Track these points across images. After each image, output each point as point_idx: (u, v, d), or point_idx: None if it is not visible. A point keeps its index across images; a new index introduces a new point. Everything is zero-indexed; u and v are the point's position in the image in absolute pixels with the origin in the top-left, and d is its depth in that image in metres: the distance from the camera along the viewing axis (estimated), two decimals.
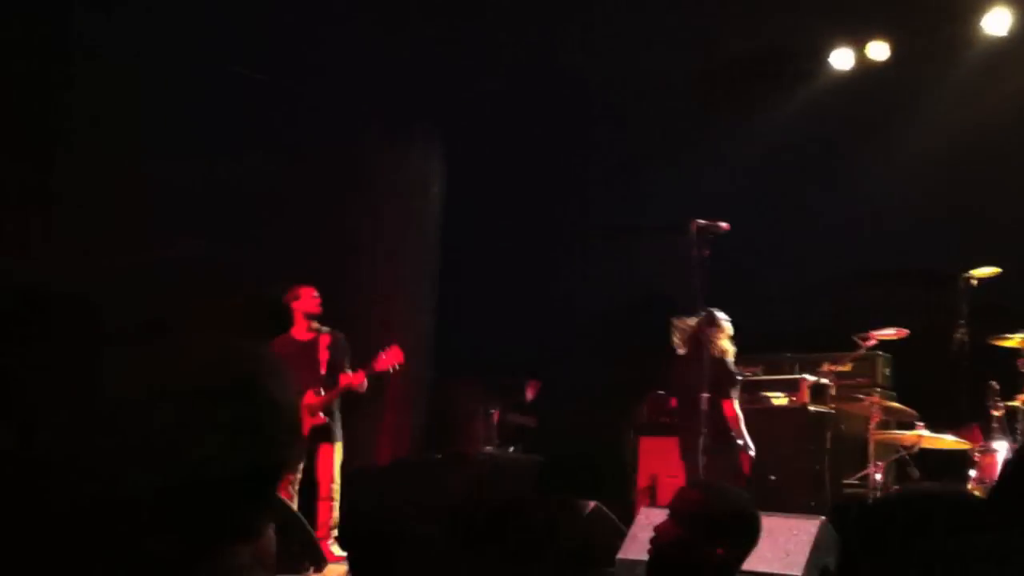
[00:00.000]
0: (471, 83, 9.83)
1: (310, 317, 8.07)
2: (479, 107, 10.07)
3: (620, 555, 6.21)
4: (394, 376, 8.23)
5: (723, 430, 7.31)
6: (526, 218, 10.50)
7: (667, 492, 8.26)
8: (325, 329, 8.09)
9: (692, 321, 7.59)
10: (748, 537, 3.22)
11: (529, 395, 9.63)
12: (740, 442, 7.35)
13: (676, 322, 7.84)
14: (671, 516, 3.34)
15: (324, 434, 7.91)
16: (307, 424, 7.77)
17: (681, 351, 7.76)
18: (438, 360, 10.11)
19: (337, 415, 8.03)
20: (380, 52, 9.37)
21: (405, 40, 9.34)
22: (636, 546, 5.96)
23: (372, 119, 9.95)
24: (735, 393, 7.52)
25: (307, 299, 8.09)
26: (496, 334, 9.07)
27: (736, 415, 7.42)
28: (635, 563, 5.72)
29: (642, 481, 8.49)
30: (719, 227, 7.28)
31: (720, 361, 7.48)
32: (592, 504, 6.86)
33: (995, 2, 9.36)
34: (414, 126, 10.35)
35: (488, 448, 9.04)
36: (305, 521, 6.66)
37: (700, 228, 7.22)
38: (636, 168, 10.76)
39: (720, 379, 7.38)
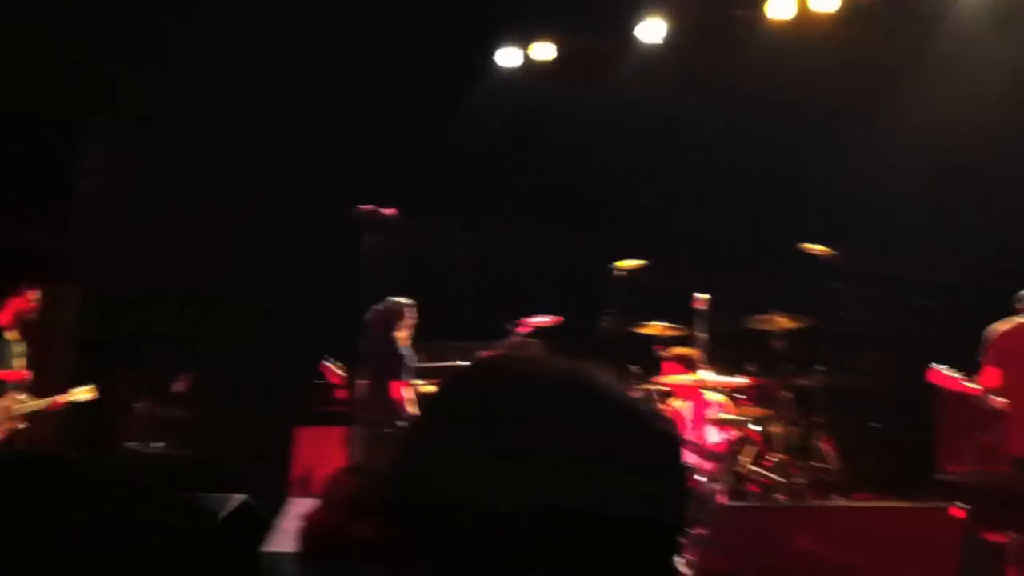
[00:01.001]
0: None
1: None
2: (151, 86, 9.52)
3: (265, 548, 6.00)
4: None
5: (393, 414, 7.33)
6: (197, 198, 10.04)
7: (323, 483, 8.13)
8: None
9: (381, 307, 7.66)
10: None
11: (181, 387, 9.16)
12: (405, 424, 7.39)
13: (377, 307, 7.77)
14: (322, 503, 3.24)
15: None
16: None
17: (368, 336, 7.72)
18: (89, 352, 9.44)
19: None
20: None
21: None
22: (283, 539, 5.77)
23: None
24: (408, 377, 7.57)
25: None
26: (150, 324, 8.57)
27: (405, 398, 7.44)
28: (280, 556, 5.54)
29: (297, 472, 8.30)
30: (384, 213, 7.25)
31: (396, 347, 7.55)
32: (240, 498, 6.59)
33: (650, 12, 9.91)
34: None
35: (131, 444, 8.51)
36: None
37: (365, 213, 7.15)
38: (308, 156, 10.57)
39: (396, 364, 7.47)
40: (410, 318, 7.71)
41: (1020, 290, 6.33)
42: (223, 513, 6.15)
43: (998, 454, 6.34)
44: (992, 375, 6.07)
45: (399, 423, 7.43)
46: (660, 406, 7.83)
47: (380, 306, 7.69)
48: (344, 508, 3.11)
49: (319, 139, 10.57)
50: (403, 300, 7.72)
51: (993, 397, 6.09)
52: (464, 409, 1.06)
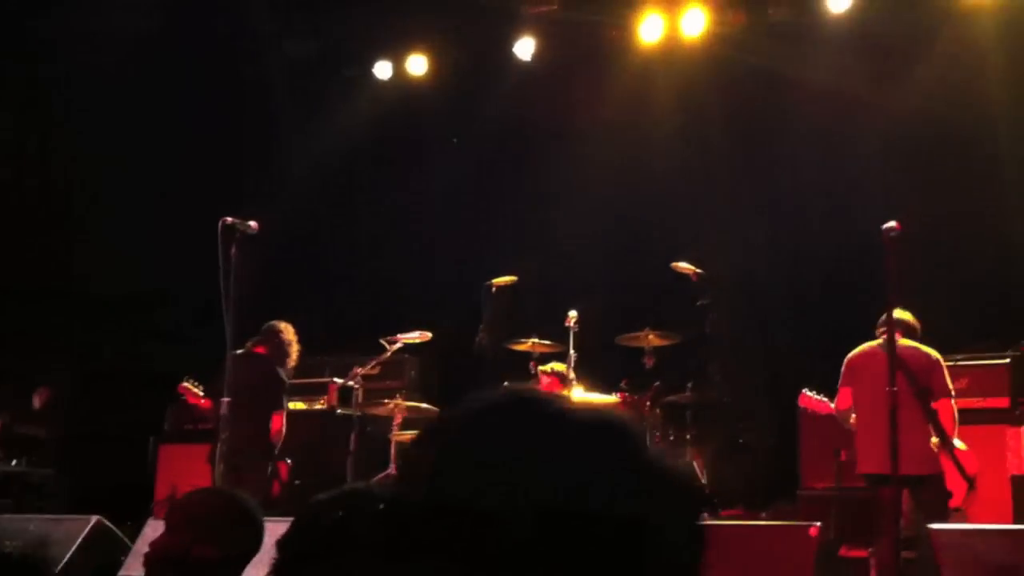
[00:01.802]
0: None
1: None
2: None
3: (122, 572, 5.80)
4: None
5: (261, 438, 7.19)
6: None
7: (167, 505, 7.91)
8: None
9: (279, 326, 7.61)
10: (247, 539, 3.02)
11: (37, 403, 8.80)
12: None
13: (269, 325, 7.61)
14: (165, 525, 3.12)
15: None
16: None
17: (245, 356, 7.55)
18: None
19: None
20: None
21: None
22: (137, 563, 5.58)
23: None
24: (284, 402, 7.49)
25: None
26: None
27: (280, 426, 7.35)
28: None
29: (161, 492, 8.04)
30: (248, 226, 7.07)
31: (278, 372, 7.47)
32: (94, 519, 6.36)
33: (524, 32, 9.99)
34: None
35: None
36: None
37: (227, 225, 6.97)
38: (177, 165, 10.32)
39: (274, 388, 7.39)
40: (296, 343, 7.66)
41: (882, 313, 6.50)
42: (79, 537, 5.85)
43: (855, 471, 6.55)
44: (844, 396, 6.28)
45: (267, 448, 7.32)
46: None
47: (269, 326, 7.60)
48: (183, 528, 3.02)
49: (186, 144, 10.34)
50: (285, 324, 7.65)
51: (849, 417, 6.29)
52: (495, 437, 1.05)
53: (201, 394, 7.84)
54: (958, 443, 6.07)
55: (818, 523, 5.00)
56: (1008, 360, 7.31)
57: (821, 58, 9.24)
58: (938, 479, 5.85)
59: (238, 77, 10.12)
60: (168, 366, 8.46)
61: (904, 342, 5.99)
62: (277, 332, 7.67)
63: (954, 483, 5.89)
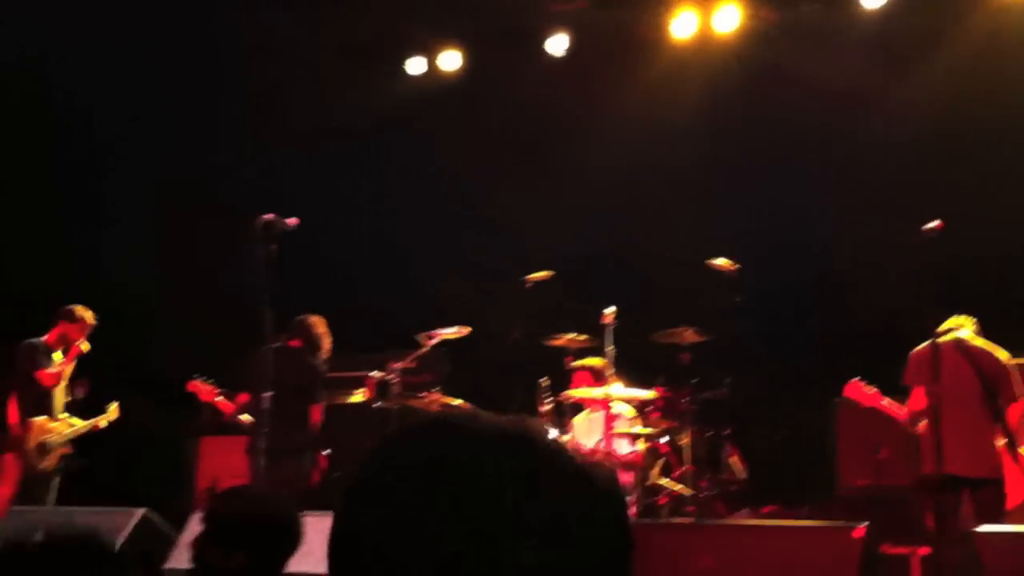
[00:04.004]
0: None
1: None
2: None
3: (167, 565, 5.88)
4: None
5: (300, 430, 7.26)
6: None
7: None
8: None
9: (311, 319, 7.73)
10: (278, 543, 3.09)
11: (79, 394, 8.86)
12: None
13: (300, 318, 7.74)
14: (203, 522, 3.18)
15: None
16: None
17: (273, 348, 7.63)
18: None
19: None
20: None
21: None
22: (183, 554, 5.65)
23: None
24: (322, 394, 7.66)
25: None
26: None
27: (319, 417, 7.54)
28: (180, 572, 5.42)
29: (202, 483, 8.11)
30: (286, 223, 7.13)
31: (315, 363, 7.62)
32: (141, 511, 6.43)
33: (556, 28, 10.02)
34: None
35: None
36: None
37: (266, 223, 7.02)
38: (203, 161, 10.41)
39: (312, 380, 7.54)
40: (327, 336, 7.73)
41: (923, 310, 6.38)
42: (126, 529, 5.94)
43: (897, 469, 6.53)
44: (918, 397, 6.00)
45: (307, 439, 7.43)
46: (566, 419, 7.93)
47: (300, 319, 7.68)
48: (215, 530, 3.10)
49: (218, 146, 10.42)
50: (316, 317, 7.77)
51: (920, 419, 6.02)
52: (406, 462, 1.04)
53: (216, 391, 7.85)
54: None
55: (864, 523, 5.01)
56: None
57: (853, 55, 9.23)
58: (999, 484, 5.79)
59: (266, 70, 10.16)
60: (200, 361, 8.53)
61: (978, 342, 5.93)
62: (309, 325, 7.78)
63: (1013, 486, 5.84)
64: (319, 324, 7.87)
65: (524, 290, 8.04)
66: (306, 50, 10.14)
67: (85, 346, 7.99)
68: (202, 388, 7.85)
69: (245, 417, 7.51)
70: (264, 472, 6.72)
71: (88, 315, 8.02)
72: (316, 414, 7.59)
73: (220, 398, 7.77)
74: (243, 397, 7.61)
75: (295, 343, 7.73)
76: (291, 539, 3.11)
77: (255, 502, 3.25)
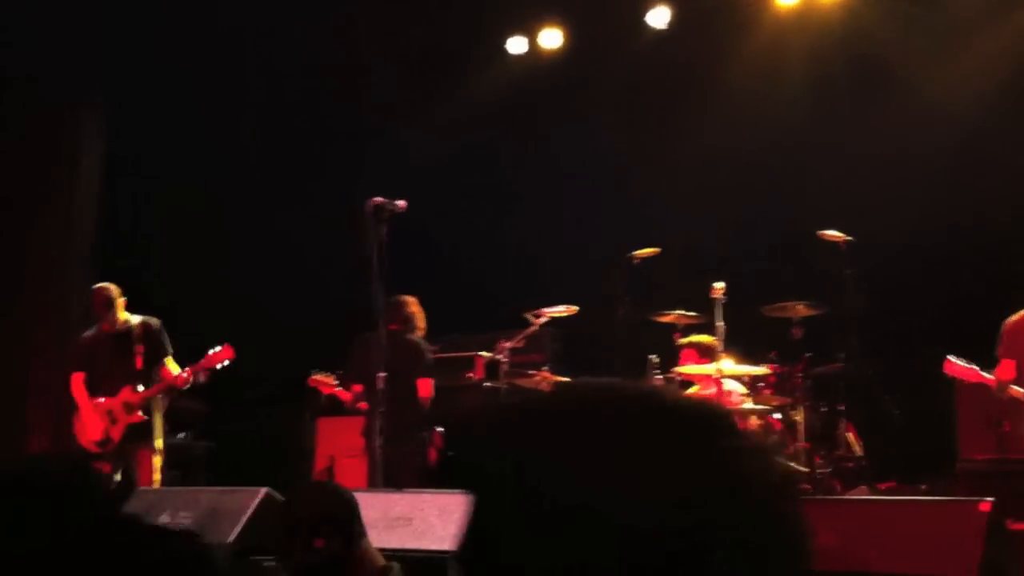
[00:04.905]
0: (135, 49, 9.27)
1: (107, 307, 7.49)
2: (146, 76, 9.51)
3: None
4: (36, 368, 7.62)
5: (413, 410, 7.41)
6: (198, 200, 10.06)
7: (345, 473, 8.17)
8: (136, 318, 7.55)
9: (403, 299, 7.84)
10: (346, 528, 3.46)
11: (201, 377, 9.17)
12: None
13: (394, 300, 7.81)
14: (283, 520, 3.65)
15: (143, 436, 7.39)
16: (123, 423, 7.33)
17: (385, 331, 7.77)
18: None
19: (157, 415, 7.50)
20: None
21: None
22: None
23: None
24: (430, 372, 7.79)
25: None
26: (165, 315, 8.55)
27: (429, 394, 7.67)
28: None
29: (320, 463, 8.33)
30: (396, 206, 7.23)
31: (417, 341, 7.78)
32: (263, 491, 6.62)
33: (658, 1, 9.92)
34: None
35: None
36: None
37: (377, 206, 7.14)
38: (328, 145, 10.62)
39: (418, 358, 7.70)
40: (421, 314, 7.83)
41: None
42: (249, 509, 6.14)
43: (1018, 442, 6.37)
44: (1006, 367, 6.04)
45: (421, 417, 7.58)
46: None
47: (394, 301, 7.80)
48: (298, 533, 3.47)
49: (324, 131, 10.60)
50: (409, 297, 7.95)
51: (1012, 388, 6.07)
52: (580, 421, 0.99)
53: (334, 383, 8.02)
54: None
55: (990, 499, 4.88)
56: None
57: (970, 20, 8.95)
58: None
59: (365, 55, 10.30)
60: (314, 346, 8.73)
61: None
62: (403, 305, 7.88)
63: None
64: (412, 303, 7.98)
65: (631, 267, 8.02)
66: (406, 36, 10.23)
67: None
68: (322, 381, 8.06)
69: (363, 404, 7.67)
70: (382, 453, 6.87)
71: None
72: (426, 389, 7.70)
73: (339, 388, 7.96)
74: (356, 387, 7.76)
75: (394, 326, 7.82)
76: (359, 523, 3.51)
77: (319, 496, 3.71)
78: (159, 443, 7.48)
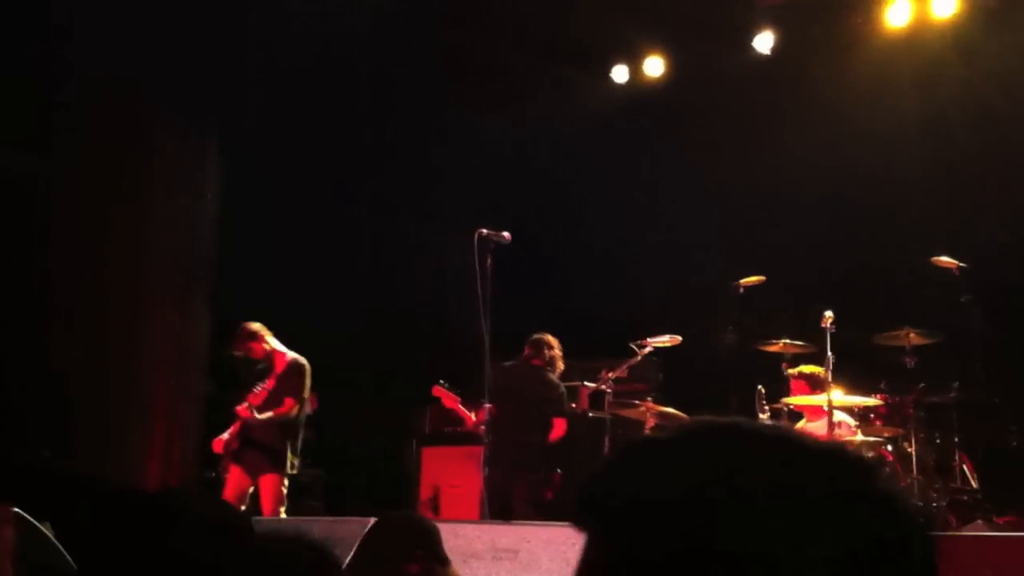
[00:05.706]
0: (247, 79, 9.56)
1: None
2: (257, 108, 9.78)
3: None
4: (161, 393, 7.85)
5: (539, 445, 7.61)
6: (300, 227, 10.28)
7: (450, 502, 8.23)
8: (281, 349, 7.85)
9: (550, 340, 8.09)
10: (431, 553, 3.49)
11: (308, 408, 9.35)
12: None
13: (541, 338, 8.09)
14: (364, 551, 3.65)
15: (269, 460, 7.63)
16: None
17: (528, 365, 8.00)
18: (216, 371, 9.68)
19: (286, 442, 7.74)
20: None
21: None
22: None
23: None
24: (567, 408, 8.02)
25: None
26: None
27: (563, 434, 7.84)
28: None
29: (425, 492, 8.40)
30: (502, 237, 7.33)
31: (557, 379, 8.00)
32: (372, 520, 6.70)
33: (763, 26, 9.84)
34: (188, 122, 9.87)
35: None
36: None
37: (483, 237, 7.23)
38: (419, 170, 10.76)
39: (555, 396, 7.93)
40: (561, 357, 8.10)
41: None
42: (359, 538, 6.28)
43: None
44: None
45: (545, 453, 7.66)
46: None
47: (540, 339, 8.05)
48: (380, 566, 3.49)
49: (432, 161, 10.75)
50: (553, 337, 8.15)
51: None
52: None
53: (457, 397, 8.16)
54: None
55: None
56: None
57: None
58: None
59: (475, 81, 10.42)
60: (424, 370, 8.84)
61: None
62: (548, 345, 8.01)
63: None
64: (557, 346, 8.13)
65: (737, 295, 7.93)
66: (513, 61, 10.33)
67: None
68: (446, 394, 8.20)
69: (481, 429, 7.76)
70: (499, 483, 6.93)
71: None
72: (561, 429, 7.80)
73: (462, 406, 8.08)
74: (483, 411, 7.84)
75: (537, 361, 7.97)
76: (441, 551, 3.54)
77: (401, 524, 3.78)
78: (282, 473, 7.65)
